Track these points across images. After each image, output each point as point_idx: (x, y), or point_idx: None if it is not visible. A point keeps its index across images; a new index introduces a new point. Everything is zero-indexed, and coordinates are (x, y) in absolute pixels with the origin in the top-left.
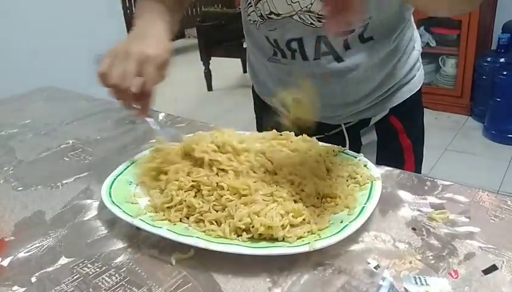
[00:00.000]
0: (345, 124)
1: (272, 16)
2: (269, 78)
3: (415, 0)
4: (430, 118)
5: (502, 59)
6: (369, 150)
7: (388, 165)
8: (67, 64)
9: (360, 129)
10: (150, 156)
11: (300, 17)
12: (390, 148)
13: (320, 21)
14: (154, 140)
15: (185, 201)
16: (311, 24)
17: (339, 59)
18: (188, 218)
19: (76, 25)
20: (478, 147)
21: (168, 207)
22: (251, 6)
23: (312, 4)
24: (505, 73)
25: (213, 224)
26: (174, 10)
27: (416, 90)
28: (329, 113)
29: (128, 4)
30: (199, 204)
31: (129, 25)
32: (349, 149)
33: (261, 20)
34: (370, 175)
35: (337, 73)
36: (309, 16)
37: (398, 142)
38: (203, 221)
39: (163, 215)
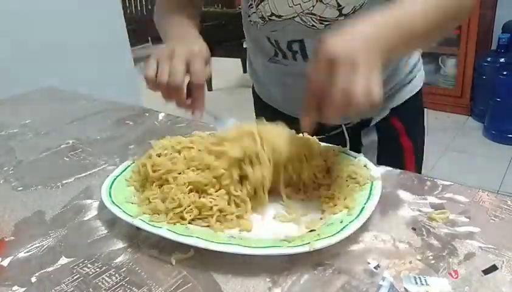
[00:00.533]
0: (345, 124)
1: (273, 17)
2: (269, 79)
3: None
4: (430, 118)
5: (502, 59)
6: (369, 151)
7: (389, 166)
8: (67, 64)
9: (361, 129)
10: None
11: (301, 19)
12: (390, 148)
13: (322, 23)
14: (154, 140)
15: (194, 202)
16: (313, 26)
17: None
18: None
19: (77, 25)
20: (478, 147)
21: (176, 213)
22: (252, 7)
23: (313, 7)
24: (505, 73)
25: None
26: (194, 17)
27: (417, 90)
28: None
29: (127, 4)
30: (210, 202)
31: (129, 25)
32: (350, 149)
33: (262, 22)
34: (370, 175)
35: None
36: (311, 18)
37: (399, 142)
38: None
39: (171, 218)
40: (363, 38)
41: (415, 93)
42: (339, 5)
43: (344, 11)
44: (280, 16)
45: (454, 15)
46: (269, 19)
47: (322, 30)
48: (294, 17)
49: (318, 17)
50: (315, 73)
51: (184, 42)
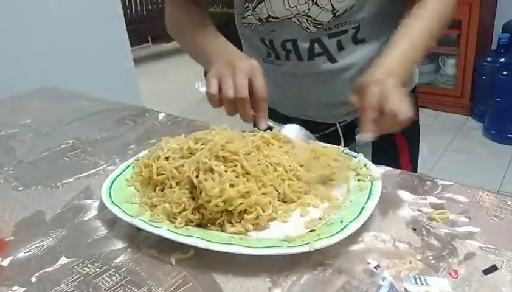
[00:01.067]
0: (339, 123)
1: (271, 19)
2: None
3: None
4: (430, 118)
5: (502, 59)
6: (364, 149)
7: (384, 164)
8: (67, 64)
9: (355, 127)
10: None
11: (297, 20)
12: (385, 146)
13: (315, 26)
14: (154, 140)
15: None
16: (307, 28)
17: (332, 60)
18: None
19: (77, 25)
20: (478, 147)
21: (180, 212)
22: (248, 10)
23: (309, 9)
24: (505, 73)
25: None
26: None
27: (411, 88)
28: (324, 112)
29: (127, 4)
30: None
31: (129, 25)
32: (344, 147)
33: (260, 23)
34: (370, 175)
35: (331, 73)
36: (306, 20)
37: (393, 140)
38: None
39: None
40: (393, 74)
41: (409, 91)
42: (334, 9)
43: (337, 14)
44: (277, 18)
45: (448, 21)
46: (266, 20)
47: (314, 33)
48: (290, 18)
49: (313, 20)
50: (370, 94)
51: (239, 58)
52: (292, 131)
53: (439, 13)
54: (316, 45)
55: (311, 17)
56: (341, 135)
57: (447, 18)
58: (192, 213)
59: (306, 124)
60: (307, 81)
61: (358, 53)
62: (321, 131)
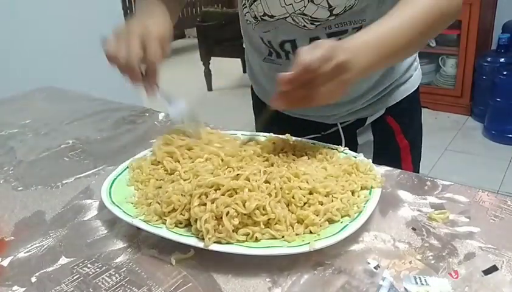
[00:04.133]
0: (341, 123)
1: (266, 17)
2: (265, 78)
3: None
4: (430, 118)
5: (502, 59)
6: (365, 150)
7: (385, 165)
8: (67, 64)
9: (357, 128)
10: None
11: (293, 20)
12: (386, 148)
13: (313, 24)
14: (154, 140)
15: (188, 210)
16: (304, 26)
17: None
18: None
19: (77, 25)
20: (478, 147)
21: (169, 212)
22: (246, 7)
23: (305, 7)
24: (505, 73)
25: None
26: (171, 7)
27: (413, 90)
28: (325, 112)
29: (127, 4)
30: (201, 211)
31: None
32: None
33: (255, 21)
34: (370, 175)
35: None
36: (303, 18)
37: (395, 142)
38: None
39: (163, 220)
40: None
41: (411, 92)
42: (330, 6)
43: (335, 12)
44: (272, 16)
45: (442, 21)
46: (262, 18)
47: (313, 30)
48: (285, 17)
49: (310, 18)
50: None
51: (142, 20)
52: (179, 109)
53: (430, 6)
54: None
55: (307, 15)
56: (342, 135)
57: (442, 12)
58: (181, 214)
59: (307, 124)
60: None
61: None
62: (322, 131)
